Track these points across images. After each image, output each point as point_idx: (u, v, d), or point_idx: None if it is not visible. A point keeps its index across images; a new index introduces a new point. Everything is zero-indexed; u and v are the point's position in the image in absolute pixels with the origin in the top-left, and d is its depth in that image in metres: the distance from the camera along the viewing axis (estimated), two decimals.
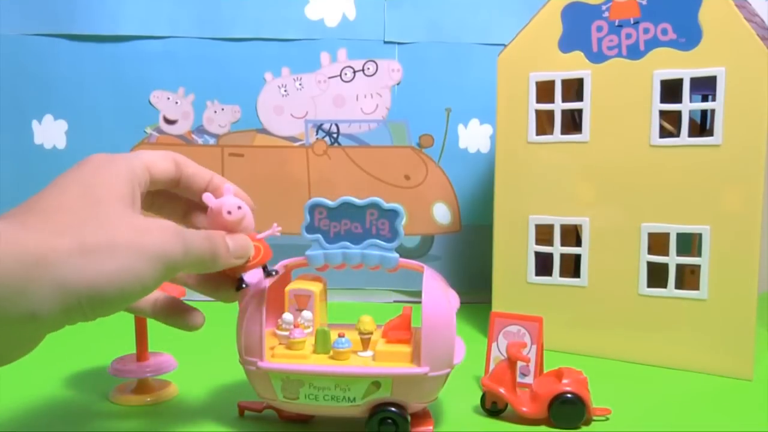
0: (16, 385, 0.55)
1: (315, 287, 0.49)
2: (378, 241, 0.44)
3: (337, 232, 0.44)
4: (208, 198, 0.40)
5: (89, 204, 0.32)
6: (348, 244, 0.44)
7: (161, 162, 0.40)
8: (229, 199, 0.40)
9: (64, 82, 0.82)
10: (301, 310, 0.47)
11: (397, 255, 0.44)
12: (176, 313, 0.42)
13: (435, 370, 0.42)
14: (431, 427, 0.46)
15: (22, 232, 0.29)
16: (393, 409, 0.43)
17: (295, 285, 0.49)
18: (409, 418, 0.44)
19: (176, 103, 0.83)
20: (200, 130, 0.84)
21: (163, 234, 0.33)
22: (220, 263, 0.38)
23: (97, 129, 0.83)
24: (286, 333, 0.45)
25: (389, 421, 0.43)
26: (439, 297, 0.43)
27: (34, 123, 0.83)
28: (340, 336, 0.44)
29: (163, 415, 0.50)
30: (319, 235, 0.44)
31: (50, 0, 0.81)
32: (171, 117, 0.84)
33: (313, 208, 0.44)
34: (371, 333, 0.45)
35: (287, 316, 0.46)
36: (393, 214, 0.43)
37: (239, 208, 0.40)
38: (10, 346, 0.30)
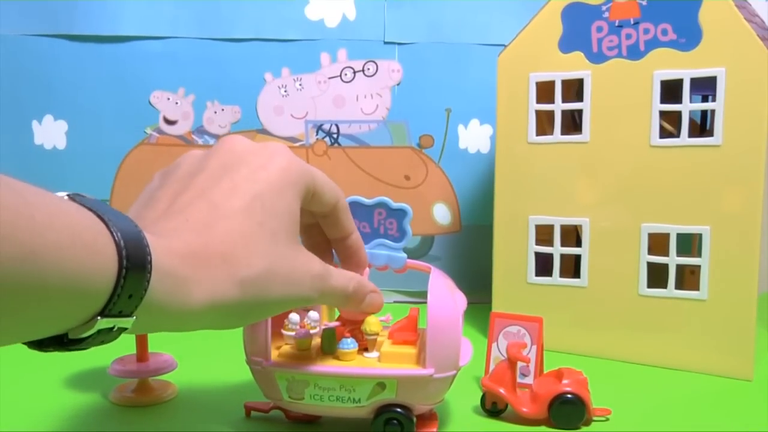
0: (16, 385, 0.55)
1: None
2: (386, 240, 0.44)
3: None
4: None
5: (264, 234, 0.32)
6: None
7: (329, 188, 0.38)
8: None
9: (64, 83, 0.82)
10: (307, 310, 0.47)
11: (404, 255, 0.45)
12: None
13: (440, 371, 0.42)
14: (435, 430, 0.45)
15: (176, 244, 0.30)
16: (398, 410, 0.43)
17: None
18: (414, 419, 0.44)
19: (176, 103, 0.83)
20: (200, 130, 0.84)
21: (312, 276, 0.35)
22: (351, 306, 0.40)
23: (97, 129, 0.83)
24: (292, 333, 0.45)
25: (394, 422, 0.43)
26: (446, 298, 0.43)
27: (34, 123, 0.83)
28: (346, 337, 0.44)
29: (163, 415, 0.50)
30: None
31: (50, 0, 0.81)
32: (171, 117, 0.84)
33: None
34: (377, 334, 0.44)
35: (294, 317, 0.45)
36: (401, 213, 0.44)
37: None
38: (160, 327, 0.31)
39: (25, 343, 0.26)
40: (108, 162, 0.84)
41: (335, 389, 0.43)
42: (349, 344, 0.44)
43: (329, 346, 0.45)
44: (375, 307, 0.41)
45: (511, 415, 0.49)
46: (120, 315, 0.26)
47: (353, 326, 0.46)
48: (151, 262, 0.27)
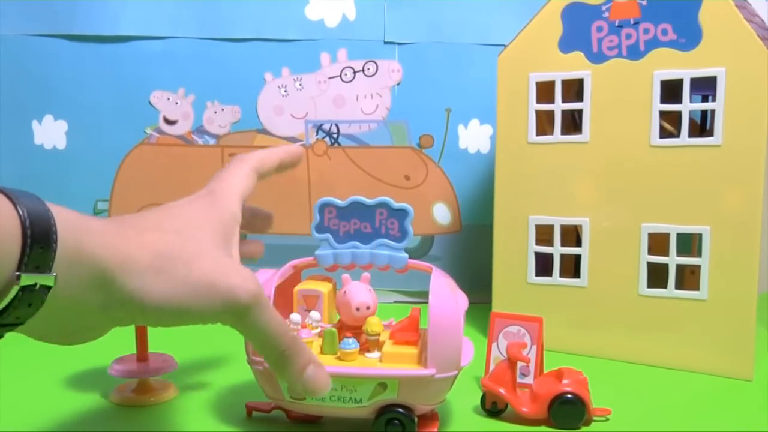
0: (16, 385, 0.55)
1: (323, 287, 0.49)
2: (387, 240, 0.44)
3: (346, 232, 0.45)
4: (346, 279, 0.46)
5: (183, 233, 0.35)
6: (357, 243, 0.45)
7: (250, 183, 0.41)
8: (362, 293, 0.45)
9: (64, 83, 0.82)
10: (309, 311, 0.47)
11: (406, 255, 0.44)
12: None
13: (442, 372, 0.42)
14: (435, 430, 0.45)
15: (116, 237, 0.32)
16: (400, 410, 0.43)
17: (303, 285, 0.49)
18: (416, 419, 0.44)
19: (176, 103, 0.83)
20: (200, 130, 0.84)
21: (242, 281, 0.35)
22: (281, 371, 0.37)
23: (97, 129, 0.83)
24: (294, 333, 0.45)
25: (396, 422, 0.43)
26: (447, 298, 0.42)
27: (34, 123, 0.83)
28: (348, 337, 0.44)
29: (163, 415, 0.50)
30: (328, 235, 0.45)
31: (50, 0, 0.81)
32: (171, 117, 0.84)
33: (323, 208, 0.45)
34: (378, 334, 0.44)
35: (295, 317, 0.45)
36: (402, 213, 0.44)
37: (368, 308, 0.45)
38: (87, 328, 0.33)
39: None
40: (108, 162, 0.84)
41: (337, 389, 0.43)
42: (350, 344, 0.43)
43: (331, 346, 0.44)
44: (317, 388, 0.37)
45: (511, 415, 0.49)
46: (37, 270, 0.28)
47: (353, 329, 0.46)
48: (50, 212, 0.29)
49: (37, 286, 0.28)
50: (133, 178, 0.84)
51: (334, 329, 0.45)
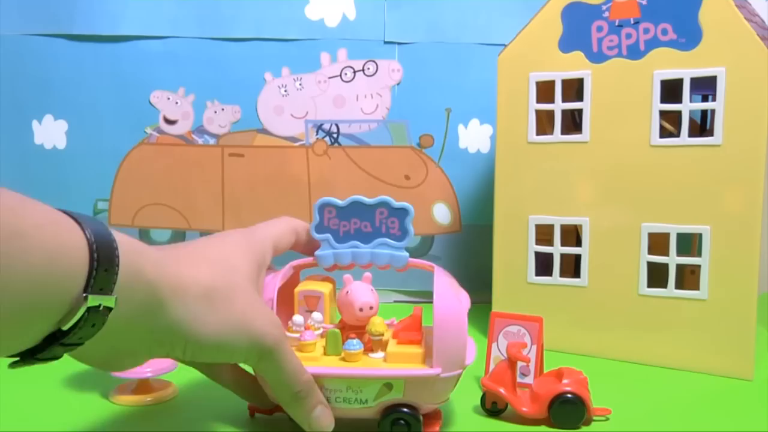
0: (16, 384, 0.55)
1: (324, 288, 0.48)
2: (388, 240, 0.44)
3: (346, 231, 0.45)
4: (348, 279, 0.45)
5: (226, 264, 0.38)
6: (358, 243, 0.45)
7: (287, 238, 0.45)
8: (365, 294, 0.44)
9: (64, 82, 0.82)
10: (310, 312, 0.47)
11: (406, 254, 0.44)
12: (252, 393, 0.47)
13: (447, 371, 0.42)
14: (437, 429, 0.45)
15: (169, 263, 0.34)
16: (405, 410, 0.43)
17: (304, 286, 0.48)
18: (421, 418, 0.44)
19: (176, 103, 0.83)
20: (200, 130, 0.84)
21: (266, 325, 0.38)
22: (292, 410, 0.42)
23: (98, 129, 0.83)
24: (297, 335, 0.44)
25: (401, 421, 0.43)
26: (451, 297, 0.42)
27: (34, 123, 0.83)
28: (351, 338, 0.44)
29: (163, 415, 0.50)
30: (328, 235, 0.45)
31: (50, 0, 0.81)
32: (171, 117, 0.84)
33: (323, 208, 0.45)
34: (382, 334, 0.44)
35: (297, 318, 0.45)
36: (403, 212, 0.44)
37: (371, 308, 0.44)
38: (130, 353, 0.35)
39: (21, 361, 0.30)
40: (108, 162, 0.84)
41: (342, 390, 0.43)
42: (355, 345, 0.43)
43: (334, 347, 0.44)
44: (322, 429, 0.42)
45: (511, 415, 0.49)
46: (101, 292, 0.29)
47: (356, 329, 0.46)
48: (113, 236, 0.30)
49: (101, 307, 0.29)
50: (133, 178, 0.84)
51: (337, 330, 0.45)
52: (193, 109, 0.84)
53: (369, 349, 0.45)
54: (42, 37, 0.82)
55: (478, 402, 0.50)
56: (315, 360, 0.43)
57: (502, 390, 0.48)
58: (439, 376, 0.42)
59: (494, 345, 0.53)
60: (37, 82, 0.83)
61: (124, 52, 0.82)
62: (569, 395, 0.47)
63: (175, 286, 0.34)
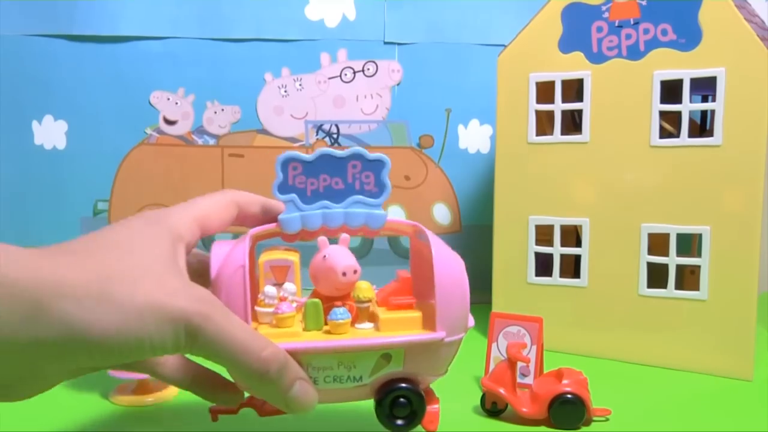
0: None
1: (293, 256, 0.42)
2: (363, 197, 0.38)
3: (314, 190, 0.38)
4: (323, 242, 0.38)
5: (124, 252, 0.31)
6: (328, 203, 0.38)
7: (220, 213, 0.38)
8: (346, 256, 0.38)
9: (64, 83, 0.82)
10: (279, 285, 0.40)
11: (385, 212, 0.39)
12: (215, 390, 0.40)
13: (451, 334, 0.37)
14: (437, 406, 0.40)
15: (42, 260, 0.29)
16: (404, 384, 0.38)
17: (270, 255, 0.41)
18: (423, 394, 0.39)
19: (176, 103, 0.83)
20: (200, 130, 0.84)
21: (187, 300, 0.31)
22: (261, 391, 0.34)
23: (97, 129, 0.83)
24: (270, 309, 0.38)
25: (402, 400, 0.38)
26: (450, 254, 0.38)
27: (34, 123, 0.83)
28: (337, 306, 0.38)
29: (163, 415, 0.50)
30: (294, 195, 0.38)
31: (50, 0, 0.81)
32: (171, 117, 0.84)
33: (287, 164, 0.38)
34: (370, 301, 0.38)
35: (270, 290, 0.38)
36: (378, 164, 0.38)
37: (356, 272, 0.38)
38: (22, 377, 0.30)
39: None
40: (108, 162, 0.84)
41: (332, 368, 0.37)
42: (342, 314, 0.37)
43: (315, 319, 0.38)
44: (303, 405, 0.34)
45: (511, 415, 0.49)
46: None
47: (334, 302, 0.39)
48: None
49: None
50: (133, 178, 0.84)
51: (317, 300, 0.38)
52: (193, 110, 0.84)
53: (354, 319, 0.39)
54: (42, 38, 0.82)
55: (478, 402, 0.50)
56: (296, 335, 0.37)
57: (502, 390, 0.48)
58: (443, 341, 0.37)
59: (494, 345, 0.53)
60: (37, 83, 0.83)
61: (124, 53, 0.82)
62: (569, 395, 0.47)
63: (57, 283, 0.28)
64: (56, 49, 0.82)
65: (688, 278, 0.61)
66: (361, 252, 0.85)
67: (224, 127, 0.84)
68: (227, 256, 0.37)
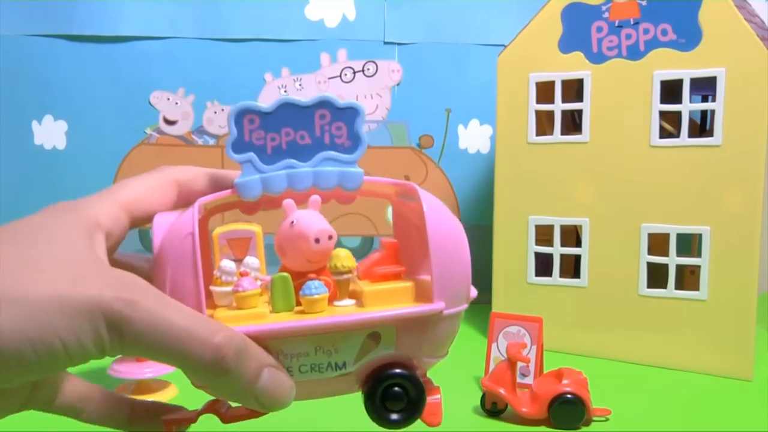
0: None
1: (254, 227, 0.35)
2: (334, 153, 0.31)
3: (276, 147, 0.31)
4: (289, 206, 0.31)
5: (22, 245, 0.25)
6: (293, 161, 0.31)
7: (155, 194, 0.32)
8: (318, 221, 0.30)
9: (63, 83, 0.82)
10: (239, 260, 0.32)
11: (360, 170, 0.32)
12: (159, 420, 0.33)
13: (452, 305, 0.30)
14: (439, 396, 0.32)
15: None
16: (399, 371, 0.30)
17: (226, 227, 0.34)
18: (422, 383, 0.31)
19: (176, 103, 0.83)
20: (200, 130, 0.84)
21: (103, 285, 0.24)
22: (219, 387, 0.27)
23: (97, 129, 0.83)
24: (229, 288, 0.30)
25: (396, 389, 0.30)
26: (445, 210, 0.31)
27: (34, 123, 0.83)
28: (311, 279, 0.30)
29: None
30: (251, 154, 0.31)
31: (50, 0, 0.81)
32: (171, 117, 0.84)
33: (241, 116, 0.31)
34: (351, 271, 0.30)
35: (227, 264, 0.30)
36: (351, 113, 0.31)
37: (331, 237, 0.30)
38: None
39: None
40: (108, 162, 0.84)
41: (309, 354, 0.29)
42: (317, 287, 0.29)
43: (285, 297, 0.30)
44: (276, 397, 0.27)
45: (511, 415, 0.49)
46: None
47: (305, 277, 0.31)
48: None
49: None
50: None
51: (285, 274, 0.31)
52: (193, 110, 0.84)
53: (333, 296, 0.31)
54: (42, 38, 0.82)
55: (478, 402, 0.50)
56: (261, 317, 0.29)
57: (502, 390, 0.48)
58: (442, 314, 0.30)
59: (494, 345, 0.53)
60: (37, 83, 0.83)
61: (123, 53, 0.82)
62: (569, 395, 0.47)
63: None
64: (56, 49, 0.82)
65: (688, 278, 0.61)
66: (363, 252, 0.85)
67: (224, 127, 0.84)
68: (172, 225, 0.29)
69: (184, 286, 0.28)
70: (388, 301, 0.30)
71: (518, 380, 0.50)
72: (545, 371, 0.52)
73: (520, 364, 0.51)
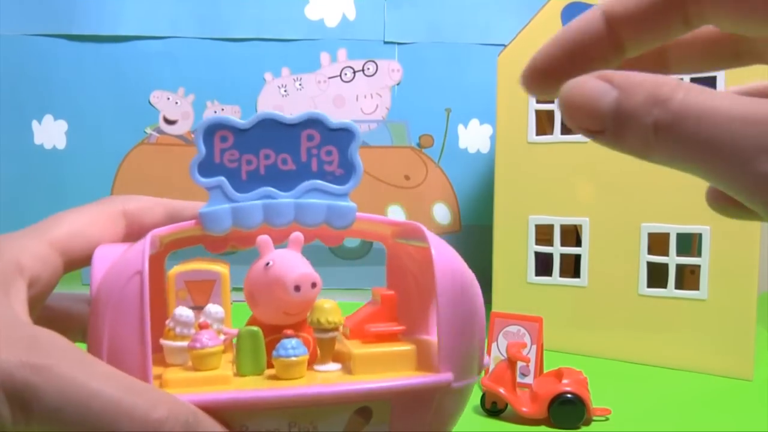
0: None
1: (220, 267, 0.27)
2: (322, 182, 0.26)
3: (252, 172, 0.26)
4: (264, 243, 0.25)
5: None
6: (272, 190, 0.26)
7: (98, 229, 0.26)
8: (299, 263, 0.25)
9: (64, 82, 0.82)
10: (199, 308, 0.26)
11: (353, 205, 0.26)
12: None
13: (462, 377, 0.24)
14: None
15: None
16: None
17: (186, 266, 0.27)
18: None
19: (176, 103, 0.83)
20: None
21: (6, 348, 0.19)
22: None
23: (97, 129, 0.83)
24: (184, 343, 0.24)
25: None
26: (456, 256, 0.25)
27: (34, 123, 0.83)
28: (287, 337, 0.24)
29: None
30: (222, 178, 0.25)
31: (50, 0, 0.81)
32: (171, 117, 0.84)
33: (212, 132, 0.25)
34: (337, 329, 0.25)
35: (183, 313, 0.25)
36: (345, 135, 0.26)
37: (314, 285, 0.24)
38: None
39: None
40: (108, 162, 0.84)
41: (280, 430, 0.23)
42: (294, 348, 0.23)
43: (254, 357, 0.24)
44: None
45: (511, 415, 0.49)
46: None
47: (281, 333, 0.24)
48: None
49: None
50: (133, 177, 0.84)
51: (255, 328, 0.24)
52: (193, 109, 0.84)
53: (313, 358, 0.25)
54: (42, 37, 0.82)
55: (478, 402, 0.50)
56: (223, 382, 0.23)
57: (502, 390, 0.48)
58: (450, 387, 0.24)
59: (494, 345, 0.53)
60: (37, 82, 0.83)
61: (124, 52, 0.82)
62: (569, 395, 0.47)
63: None
64: (56, 48, 0.82)
65: (688, 278, 0.61)
66: (360, 252, 0.85)
67: None
68: (116, 261, 0.24)
69: (126, 341, 0.22)
70: (383, 369, 0.25)
71: (518, 380, 0.50)
72: (545, 371, 0.52)
73: (520, 364, 0.51)
